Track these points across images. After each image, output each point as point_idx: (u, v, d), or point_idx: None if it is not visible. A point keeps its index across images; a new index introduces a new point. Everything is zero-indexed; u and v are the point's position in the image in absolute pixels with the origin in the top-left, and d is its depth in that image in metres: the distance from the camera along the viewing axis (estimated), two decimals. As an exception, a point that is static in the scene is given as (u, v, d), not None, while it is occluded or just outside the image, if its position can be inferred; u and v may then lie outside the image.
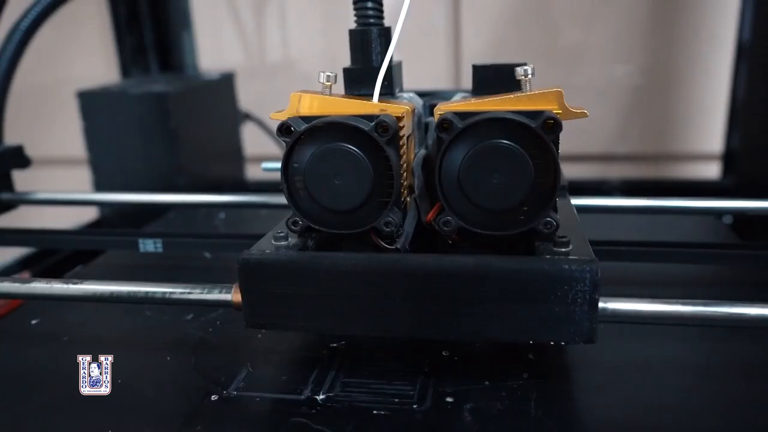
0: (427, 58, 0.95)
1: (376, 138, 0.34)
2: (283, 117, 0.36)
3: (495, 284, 0.32)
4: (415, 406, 0.34)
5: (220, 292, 0.36)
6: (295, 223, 0.36)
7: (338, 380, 0.37)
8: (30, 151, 0.62)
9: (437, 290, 0.33)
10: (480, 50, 0.93)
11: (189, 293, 0.37)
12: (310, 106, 0.36)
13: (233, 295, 0.35)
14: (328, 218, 0.36)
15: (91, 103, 0.77)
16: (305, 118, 0.35)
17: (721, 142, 0.86)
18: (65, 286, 0.39)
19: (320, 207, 0.35)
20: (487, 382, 0.36)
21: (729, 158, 0.84)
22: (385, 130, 0.34)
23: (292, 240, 0.36)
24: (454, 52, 0.95)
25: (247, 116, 0.95)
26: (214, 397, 0.36)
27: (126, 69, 0.94)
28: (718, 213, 0.64)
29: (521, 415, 0.33)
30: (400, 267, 0.33)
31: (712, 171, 0.91)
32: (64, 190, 0.67)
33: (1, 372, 0.40)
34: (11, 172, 0.62)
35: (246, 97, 0.94)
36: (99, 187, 0.78)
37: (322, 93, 0.36)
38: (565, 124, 0.33)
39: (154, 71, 0.94)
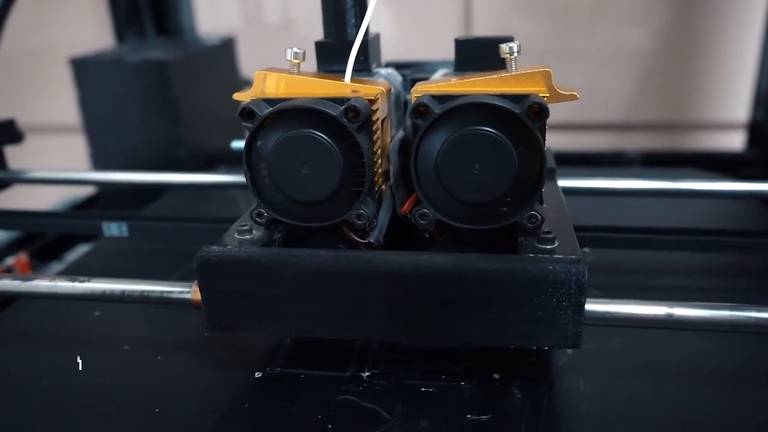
0: (436, 22, 0.90)
1: (345, 124, 0.31)
2: (246, 98, 0.33)
3: (474, 286, 0.29)
4: (462, 383, 0.33)
5: (180, 292, 0.34)
6: (259, 215, 0.33)
7: (381, 356, 0.36)
8: (22, 119, 0.60)
9: (412, 292, 0.30)
10: (492, 12, 0.88)
11: (143, 291, 0.35)
12: (276, 86, 0.33)
13: (193, 294, 0.33)
14: (295, 210, 0.33)
15: (86, 71, 0.74)
16: (270, 101, 0.32)
17: (746, 110, 0.81)
18: (18, 282, 0.37)
19: (287, 198, 0.32)
20: (533, 359, 0.35)
21: (754, 129, 0.79)
22: (356, 115, 0.30)
23: (257, 233, 0.33)
24: (465, 13, 0.90)
25: (248, 84, 0.91)
26: (258, 374, 0.35)
27: (120, 32, 0.89)
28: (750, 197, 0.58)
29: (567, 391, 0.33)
30: (372, 267, 0.30)
31: (736, 141, 0.85)
32: (59, 163, 0.65)
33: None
34: (3, 149, 0.59)
35: (246, 62, 0.90)
36: (96, 160, 0.76)
37: (289, 71, 0.33)
38: (580, 91, 0.30)
39: (150, 35, 0.90)
